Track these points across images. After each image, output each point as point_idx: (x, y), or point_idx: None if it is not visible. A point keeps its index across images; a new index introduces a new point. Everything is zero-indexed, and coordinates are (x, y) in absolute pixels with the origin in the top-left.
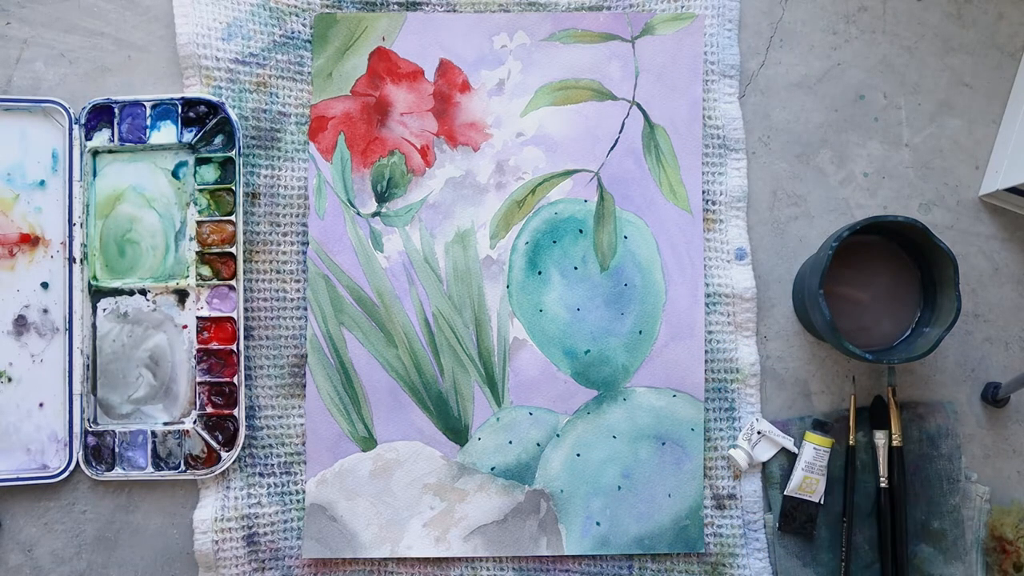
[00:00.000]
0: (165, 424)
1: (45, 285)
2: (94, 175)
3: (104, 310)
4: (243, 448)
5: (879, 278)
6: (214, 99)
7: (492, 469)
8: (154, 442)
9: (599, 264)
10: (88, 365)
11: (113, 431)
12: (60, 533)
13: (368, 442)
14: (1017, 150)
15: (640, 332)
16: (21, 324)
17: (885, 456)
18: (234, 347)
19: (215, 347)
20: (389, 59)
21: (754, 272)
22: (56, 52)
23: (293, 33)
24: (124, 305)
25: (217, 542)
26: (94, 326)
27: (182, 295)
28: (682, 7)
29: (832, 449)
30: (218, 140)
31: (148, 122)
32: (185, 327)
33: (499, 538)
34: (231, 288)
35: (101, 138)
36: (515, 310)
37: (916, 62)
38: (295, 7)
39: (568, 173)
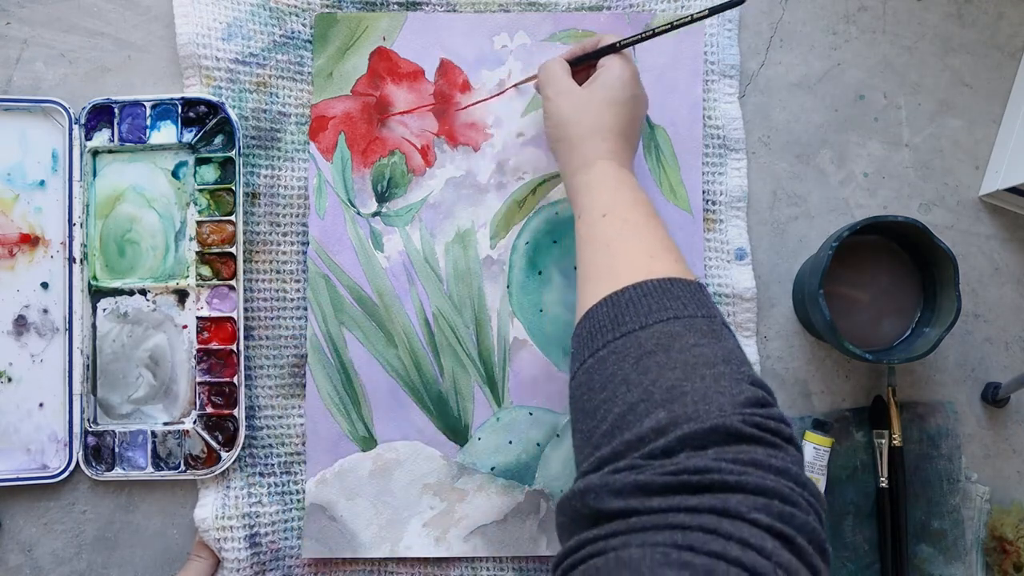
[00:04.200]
0: (165, 424)
1: (45, 285)
2: (94, 175)
3: (104, 310)
4: (243, 448)
5: (879, 278)
6: (214, 99)
7: (492, 469)
8: (154, 442)
9: None
10: (88, 365)
11: (113, 431)
12: (60, 533)
13: (368, 442)
14: (1017, 150)
15: None
16: (21, 324)
17: (885, 456)
18: (234, 347)
19: (215, 347)
20: (389, 59)
21: (754, 272)
22: (56, 52)
23: (293, 33)
24: (124, 305)
25: (219, 540)
26: (94, 326)
27: (182, 295)
28: (682, 7)
29: (832, 449)
30: (218, 140)
31: (148, 122)
32: (185, 327)
33: (499, 538)
34: (231, 288)
35: (101, 138)
36: (515, 310)
37: (916, 62)
38: (295, 7)
39: None
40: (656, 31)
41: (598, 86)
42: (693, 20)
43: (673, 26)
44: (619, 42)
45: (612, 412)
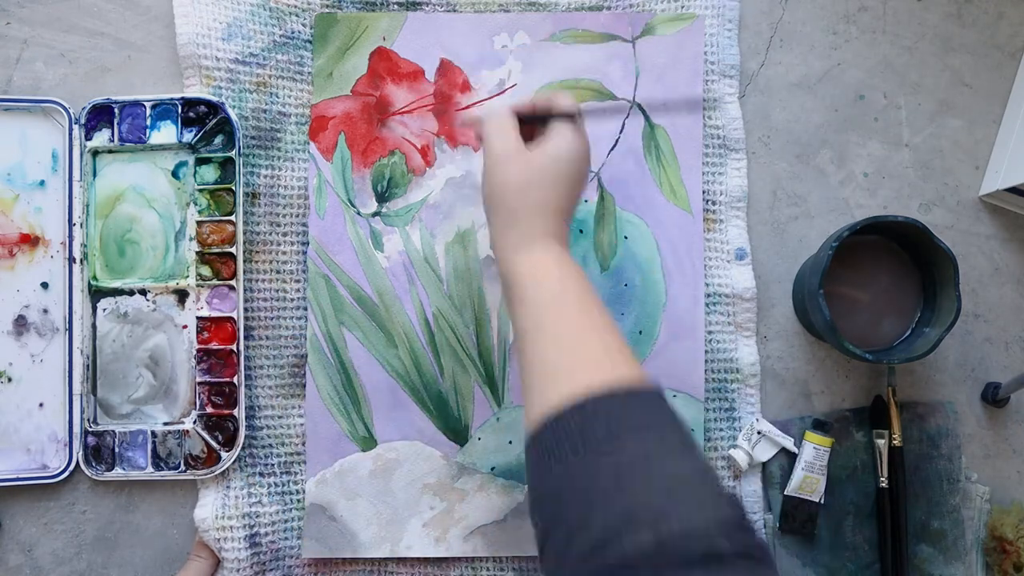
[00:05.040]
0: (165, 424)
1: (45, 285)
2: (94, 175)
3: (104, 310)
4: (243, 448)
5: (879, 278)
6: (214, 99)
7: (492, 469)
8: (154, 442)
9: (599, 264)
10: (88, 365)
11: (113, 431)
12: (60, 533)
13: (368, 442)
14: (1017, 150)
15: (640, 332)
16: (21, 324)
17: (885, 456)
18: (234, 347)
19: (215, 347)
20: (389, 59)
21: (754, 272)
22: (56, 52)
23: (293, 33)
24: (124, 305)
25: (219, 540)
26: (94, 326)
27: (182, 295)
28: (682, 7)
29: (832, 449)
30: (218, 140)
31: (148, 122)
32: (185, 327)
33: (499, 538)
34: (231, 288)
35: (101, 138)
36: None
37: (916, 62)
38: (295, 7)
39: None
40: (606, 108)
41: (550, 156)
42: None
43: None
44: (579, 111)
45: (591, 531)
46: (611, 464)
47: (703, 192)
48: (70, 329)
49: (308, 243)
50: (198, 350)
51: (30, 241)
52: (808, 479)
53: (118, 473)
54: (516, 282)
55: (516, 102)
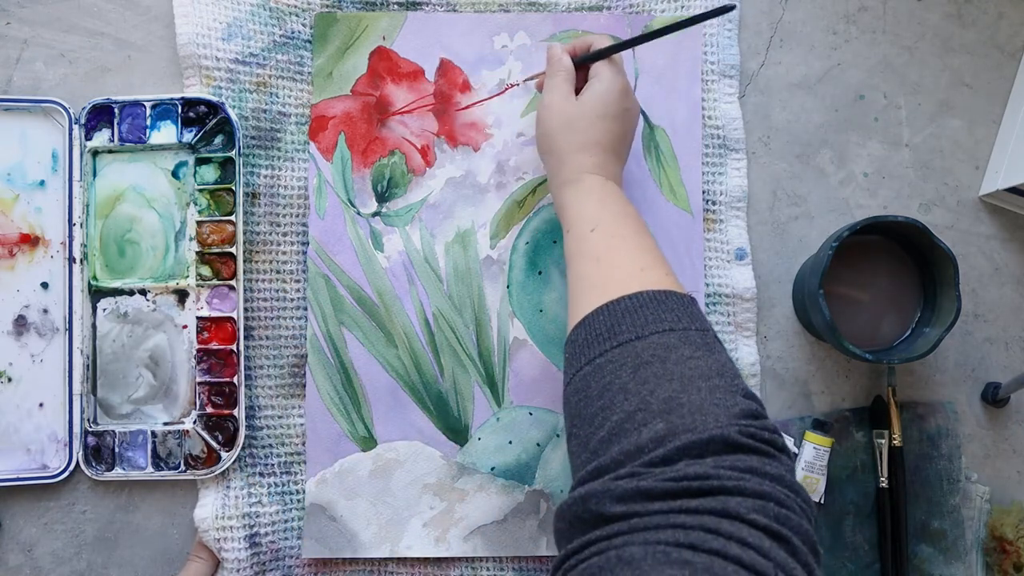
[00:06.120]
0: (165, 424)
1: (45, 285)
2: (94, 175)
3: (104, 310)
4: (243, 448)
5: (879, 278)
6: (214, 99)
7: (492, 469)
8: (154, 442)
9: None
10: (88, 365)
11: (113, 431)
12: (60, 533)
13: (368, 442)
14: (1017, 150)
15: None
16: (21, 324)
17: (885, 456)
18: (234, 347)
19: (215, 347)
20: (389, 59)
21: (754, 272)
22: (56, 52)
23: (293, 33)
24: (124, 305)
25: (219, 540)
26: (94, 326)
27: (182, 295)
28: (682, 8)
29: (832, 449)
30: (218, 140)
31: (148, 122)
32: (185, 327)
33: (499, 538)
34: (231, 288)
35: (101, 138)
36: (515, 310)
37: (916, 62)
38: (295, 7)
39: None
40: (661, 31)
41: (588, 98)
42: (694, 21)
43: (679, 25)
44: (624, 41)
45: (610, 420)
46: (632, 358)
47: (703, 192)
48: (70, 329)
49: (308, 243)
50: (198, 350)
51: (30, 241)
52: (808, 479)
53: (118, 473)
54: (562, 213)
55: (571, 45)
